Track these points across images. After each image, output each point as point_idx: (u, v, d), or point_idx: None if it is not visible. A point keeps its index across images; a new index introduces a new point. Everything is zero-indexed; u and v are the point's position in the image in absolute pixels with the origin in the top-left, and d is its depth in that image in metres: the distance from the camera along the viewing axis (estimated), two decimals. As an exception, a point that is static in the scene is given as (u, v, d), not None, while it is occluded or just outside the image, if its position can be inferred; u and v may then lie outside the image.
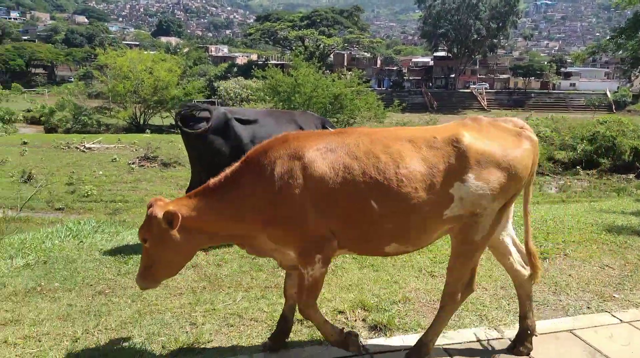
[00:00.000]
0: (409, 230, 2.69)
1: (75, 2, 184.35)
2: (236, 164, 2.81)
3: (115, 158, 26.06)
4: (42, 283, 4.08)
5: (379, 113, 35.23)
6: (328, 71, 48.44)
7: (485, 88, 68.23)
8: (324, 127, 5.74)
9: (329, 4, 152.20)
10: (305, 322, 3.46)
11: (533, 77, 74.79)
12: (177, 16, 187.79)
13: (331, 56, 72.17)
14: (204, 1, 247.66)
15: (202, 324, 3.43)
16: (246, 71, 58.98)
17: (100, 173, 23.33)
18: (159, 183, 22.82)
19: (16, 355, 3.02)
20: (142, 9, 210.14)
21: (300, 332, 3.35)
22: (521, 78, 75.10)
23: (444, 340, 3.19)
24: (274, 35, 70.53)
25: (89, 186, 20.20)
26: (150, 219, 2.71)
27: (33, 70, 79.13)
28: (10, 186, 19.94)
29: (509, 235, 3.06)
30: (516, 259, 3.06)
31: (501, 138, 2.72)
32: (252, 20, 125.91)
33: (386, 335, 3.31)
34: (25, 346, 3.12)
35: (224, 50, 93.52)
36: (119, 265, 4.55)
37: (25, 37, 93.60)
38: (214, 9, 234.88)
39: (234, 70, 64.01)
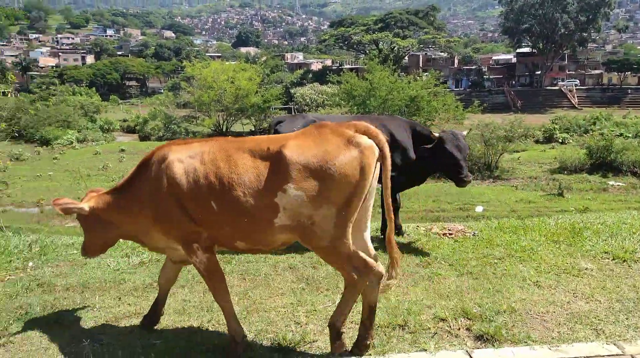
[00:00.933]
0: (246, 231, 2.92)
1: (163, 18, 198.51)
2: (136, 165, 3.27)
3: (201, 163, 27.68)
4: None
5: (458, 114, 34.08)
6: (403, 73, 47.76)
7: (576, 85, 63.51)
8: (414, 131, 5.63)
9: (404, 6, 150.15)
10: (406, 327, 3.47)
11: (629, 72, 68.25)
12: (254, 27, 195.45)
13: (406, 57, 71.13)
14: (280, 11, 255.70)
15: (306, 324, 3.55)
16: (321, 76, 59.89)
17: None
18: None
19: (142, 345, 3.32)
20: (223, 22, 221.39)
21: (403, 337, 3.36)
22: (616, 73, 68.85)
23: (558, 353, 3.04)
24: (347, 40, 70.91)
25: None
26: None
27: (127, 83, 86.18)
28: (111, 189, 21.82)
29: (364, 236, 3.15)
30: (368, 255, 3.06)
31: (327, 145, 2.78)
32: (326, 27, 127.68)
33: (494, 345, 3.21)
34: (150, 336, 3.42)
35: (299, 57, 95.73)
36: (224, 264, 4.81)
37: (120, 53, 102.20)
38: (289, 17, 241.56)
39: (309, 76, 65.22)
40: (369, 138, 2.85)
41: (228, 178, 2.85)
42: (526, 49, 71.66)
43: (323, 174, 2.73)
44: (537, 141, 31.80)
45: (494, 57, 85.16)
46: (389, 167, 2.91)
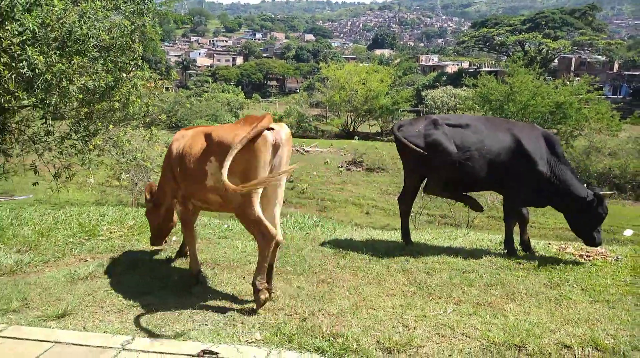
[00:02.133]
0: (193, 190, 4.13)
1: (306, 22, 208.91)
2: None
3: (327, 161, 28.61)
4: (277, 265, 4.75)
5: (613, 125, 30.10)
6: (550, 77, 43.69)
7: None
8: (548, 142, 5.19)
9: (559, 4, 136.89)
10: (523, 348, 3.23)
11: None
12: (392, 29, 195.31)
13: (555, 60, 64.78)
14: (419, 12, 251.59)
15: (414, 328, 3.50)
16: (456, 79, 57.54)
17: (315, 173, 25.91)
18: (363, 186, 24.15)
19: (259, 322, 3.59)
20: (361, 25, 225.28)
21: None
22: None
23: None
24: (489, 42, 66.92)
25: (305, 185, 22.66)
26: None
27: (268, 82, 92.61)
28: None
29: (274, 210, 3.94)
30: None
31: (236, 131, 3.70)
32: (467, 27, 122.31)
33: (627, 385, 2.83)
34: (266, 317, 3.68)
35: (434, 59, 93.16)
36: (338, 258, 4.98)
37: (265, 55, 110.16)
38: (428, 19, 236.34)
39: (443, 79, 63.10)
40: (268, 129, 3.65)
41: (187, 151, 4.07)
42: None
43: (228, 151, 3.54)
44: None
45: (666, 62, 73.06)
46: (285, 153, 3.75)
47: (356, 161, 27.72)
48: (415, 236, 6.01)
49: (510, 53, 61.14)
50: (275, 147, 3.69)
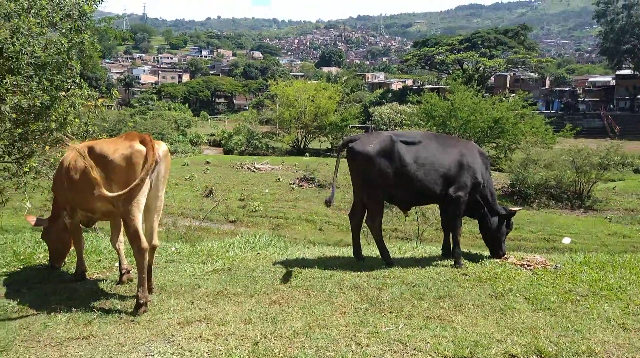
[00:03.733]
0: (78, 200, 4.54)
1: (253, 40, 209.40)
2: None
3: (279, 178, 28.50)
4: (228, 288, 4.64)
5: (547, 138, 32.06)
6: (488, 94, 46.06)
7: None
8: (484, 159, 5.71)
9: (492, 25, 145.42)
10: None
11: None
12: (338, 47, 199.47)
13: (492, 78, 68.50)
14: (363, 32, 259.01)
15: (367, 345, 3.51)
16: (401, 96, 59.49)
17: (266, 191, 25.72)
18: (315, 202, 24.21)
19: (208, 350, 3.47)
20: (308, 43, 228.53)
21: None
22: None
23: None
24: (430, 60, 69.85)
25: (257, 203, 22.40)
26: None
27: (217, 99, 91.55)
28: (194, 199, 23.18)
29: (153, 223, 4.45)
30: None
31: (117, 145, 4.18)
32: (409, 47, 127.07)
33: (569, 389, 2.96)
34: (216, 343, 3.56)
35: (380, 77, 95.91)
36: (291, 278, 4.93)
37: (212, 72, 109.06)
38: (372, 38, 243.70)
39: (389, 96, 64.98)
40: (143, 144, 4.04)
41: (73, 165, 4.42)
42: (627, 71, 65.96)
43: (109, 162, 4.05)
44: (636, 171, 28.88)
45: (590, 79, 79.17)
46: (148, 166, 3.98)
47: (308, 178, 27.80)
48: (366, 251, 6.07)
49: (450, 71, 64.03)
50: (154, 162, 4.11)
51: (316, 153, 43.13)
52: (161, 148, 4.25)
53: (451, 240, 5.62)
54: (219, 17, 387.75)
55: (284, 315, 4.01)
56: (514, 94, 40.88)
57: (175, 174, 29.62)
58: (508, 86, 65.80)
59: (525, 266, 5.39)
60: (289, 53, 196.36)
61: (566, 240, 15.43)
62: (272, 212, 21.86)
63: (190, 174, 29.20)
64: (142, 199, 4.11)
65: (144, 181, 4.00)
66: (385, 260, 5.45)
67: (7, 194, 8.32)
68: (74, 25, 7.99)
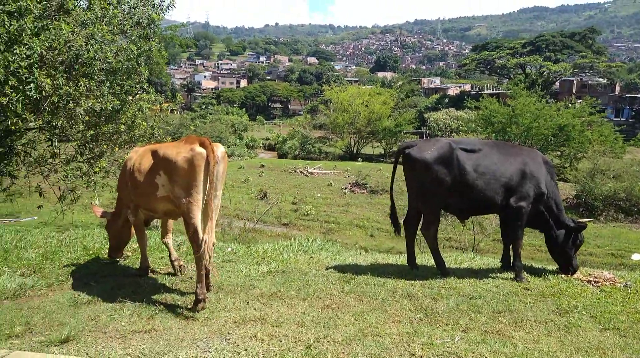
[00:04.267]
0: (143, 201, 4.74)
1: (309, 45, 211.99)
2: None
3: (330, 183, 28.62)
4: (282, 290, 4.71)
5: (616, 147, 30.09)
6: (552, 100, 43.95)
7: None
8: (549, 168, 5.44)
9: (558, 28, 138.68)
10: None
11: None
12: (394, 52, 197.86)
13: (557, 83, 65.25)
14: (420, 36, 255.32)
15: (421, 357, 3.43)
16: (458, 101, 57.94)
17: (318, 195, 25.91)
18: (367, 208, 24.09)
19: (262, 350, 3.53)
20: (363, 48, 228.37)
21: None
22: None
23: None
24: (490, 64, 67.61)
25: (309, 207, 22.63)
26: None
27: (272, 104, 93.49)
28: (249, 201, 23.76)
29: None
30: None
31: (179, 149, 4.31)
32: (467, 51, 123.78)
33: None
34: (270, 343, 3.62)
35: (436, 82, 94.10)
36: (343, 283, 4.92)
37: (269, 77, 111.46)
38: (429, 42, 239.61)
39: (445, 101, 63.58)
40: (203, 147, 4.21)
41: (137, 168, 4.63)
42: None
43: (173, 164, 4.25)
44: None
45: (668, 84, 73.43)
46: (210, 169, 4.19)
47: (360, 183, 27.71)
48: (420, 260, 5.95)
49: (512, 76, 61.68)
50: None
51: (368, 158, 42.92)
52: (219, 149, 4.43)
53: (512, 252, 5.39)
54: (276, 24, 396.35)
55: (337, 320, 4.01)
56: (580, 100, 38.77)
57: (231, 177, 30.52)
58: (574, 91, 62.39)
59: (592, 282, 5.07)
60: (344, 58, 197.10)
61: (636, 256, 14.40)
62: (323, 216, 21.99)
63: (246, 177, 29.97)
64: (201, 199, 4.28)
65: (206, 183, 4.17)
66: (441, 270, 5.31)
67: (79, 193, 8.89)
68: (144, 32, 8.44)
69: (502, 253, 5.79)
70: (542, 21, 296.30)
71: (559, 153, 32.05)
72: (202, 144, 4.26)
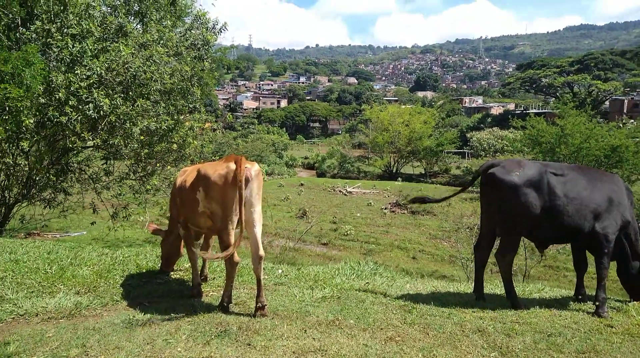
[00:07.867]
0: (188, 215, 4.98)
1: (349, 66, 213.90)
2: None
3: (370, 202, 28.24)
4: (340, 318, 4.45)
5: (675, 171, 28.28)
6: (602, 120, 42.11)
7: None
8: (630, 194, 5.09)
9: (606, 46, 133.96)
10: None
11: None
12: (434, 71, 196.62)
13: (606, 102, 62.67)
14: (461, 55, 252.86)
15: (503, 402, 3.09)
16: (501, 121, 56.56)
17: (358, 214, 25.56)
18: (409, 229, 23.50)
19: (325, 384, 3.28)
20: (403, 68, 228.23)
21: None
22: None
23: None
24: (535, 83, 65.81)
25: (349, 226, 22.30)
26: None
27: (311, 124, 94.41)
28: (289, 220, 23.71)
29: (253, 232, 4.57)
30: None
31: (216, 168, 4.53)
32: (510, 70, 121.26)
33: None
34: (333, 377, 3.37)
35: (478, 101, 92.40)
36: (404, 313, 4.63)
37: (308, 97, 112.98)
38: (470, 61, 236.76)
39: (488, 120, 62.19)
40: (237, 166, 4.36)
41: (183, 186, 4.97)
42: None
43: (209, 181, 4.48)
44: None
45: None
46: (238, 184, 4.31)
47: (400, 203, 27.19)
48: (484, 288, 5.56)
49: (559, 95, 59.73)
50: (247, 181, 4.44)
51: (408, 178, 42.28)
52: (254, 168, 4.58)
53: (596, 283, 4.92)
54: (317, 45, 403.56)
55: (403, 355, 3.72)
56: (632, 121, 36.91)
57: (272, 195, 30.69)
58: (625, 111, 59.66)
59: (684, 321, 4.55)
60: (383, 78, 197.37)
61: None
62: (363, 237, 21.58)
63: (286, 195, 30.04)
64: (234, 215, 4.46)
65: (240, 199, 4.38)
66: (512, 302, 4.91)
67: (131, 210, 9.03)
68: (198, 54, 8.60)
69: (575, 283, 5.33)
70: (589, 39, 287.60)
71: (612, 174, 30.46)
72: (236, 162, 4.45)
